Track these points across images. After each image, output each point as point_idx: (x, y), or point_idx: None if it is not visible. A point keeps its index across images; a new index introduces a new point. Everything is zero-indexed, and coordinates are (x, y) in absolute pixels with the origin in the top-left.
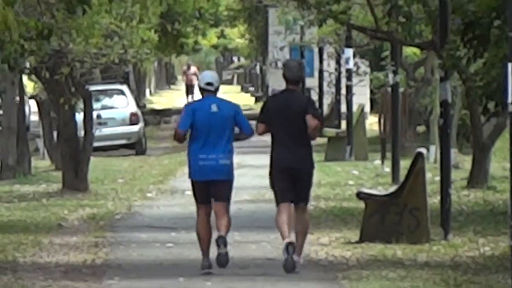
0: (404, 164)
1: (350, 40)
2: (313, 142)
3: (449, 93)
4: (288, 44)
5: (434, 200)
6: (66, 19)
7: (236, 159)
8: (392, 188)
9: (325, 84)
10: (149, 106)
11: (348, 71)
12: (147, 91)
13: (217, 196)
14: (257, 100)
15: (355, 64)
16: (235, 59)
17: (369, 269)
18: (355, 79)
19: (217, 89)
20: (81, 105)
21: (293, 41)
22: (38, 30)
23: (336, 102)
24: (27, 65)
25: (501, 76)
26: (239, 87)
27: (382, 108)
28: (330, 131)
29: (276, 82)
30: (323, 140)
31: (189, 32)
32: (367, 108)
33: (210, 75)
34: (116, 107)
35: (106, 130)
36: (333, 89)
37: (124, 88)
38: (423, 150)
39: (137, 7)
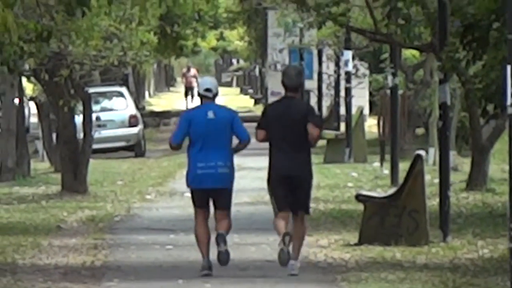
0: (403, 166)
1: (349, 42)
2: None
3: (448, 95)
4: (287, 46)
5: (433, 202)
6: (65, 21)
7: (236, 161)
8: (391, 190)
9: (324, 86)
10: (148, 108)
11: (347, 73)
12: (147, 93)
13: (217, 203)
14: (256, 102)
15: (354, 66)
16: (234, 61)
17: (368, 271)
18: (354, 81)
19: (215, 95)
20: (80, 107)
21: (292, 43)
22: (38, 32)
23: (335, 104)
24: (27, 67)
25: (500, 78)
26: (238, 89)
27: (381, 110)
28: (329, 133)
29: (276, 85)
30: (322, 142)
31: (189, 34)
32: (366, 110)
33: (209, 81)
34: (115, 109)
35: (105, 132)
36: (332, 91)
37: (123, 90)
38: (422, 152)
39: (136, 9)
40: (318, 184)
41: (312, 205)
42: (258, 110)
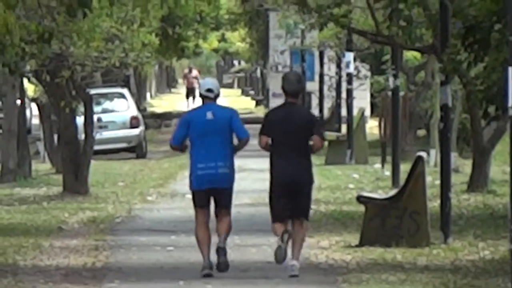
0: (404, 167)
1: (350, 44)
2: None
3: (449, 97)
4: (289, 47)
5: (434, 204)
6: (67, 23)
7: (237, 162)
8: (392, 192)
9: (325, 88)
10: (149, 109)
11: (349, 75)
12: (148, 94)
13: (218, 203)
14: (257, 103)
15: (356, 68)
16: (235, 62)
17: (369, 273)
18: (355, 83)
19: (217, 96)
20: (81, 108)
21: (294, 45)
22: (39, 33)
23: (337, 106)
24: (28, 68)
25: (501, 80)
26: (239, 91)
27: (383, 112)
28: (330, 135)
29: (277, 86)
30: (324, 145)
31: (190, 35)
32: (368, 112)
33: (210, 82)
34: (117, 111)
35: (106, 134)
36: (334, 93)
37: (125, 91)
38: (423, 154)
39: (138, 11)
40: (319, 185)
41: (313, 206)
42: (260, 112)
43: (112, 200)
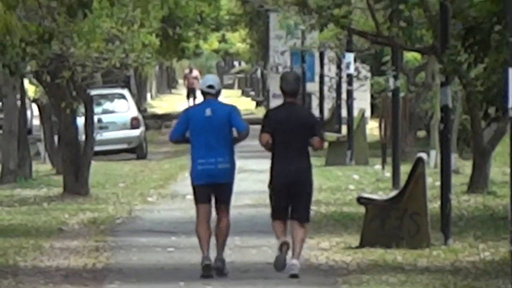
0: (405, 169)
1: (351, 45)
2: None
3: (449, 98)
4: (289, 48)
5: (434, 205)
6: (67, 23)
7: (238, 163)
8: (393, 193)
9: (326, 89)
10: (150, 110)
11: (349, 76)
12: (148, 95)
13: (217, 198)
14: (258, 104)
15: (356, 69)
16: (236, 63)
17: (370, 274)
18: (355, 84)
19: (218, 92)
20: (82, 109)
21: (294, 46)
22: (40, 34)
23: (337, 107)
24: (28, 69)
25: (501, 81)
26: (240, 92)
27: (383, 113)
28: (330, 136)
29: (277, 87)
30: (324, 145)
31: (190, 36)
32: (368, 113)
33: (212, 78)
34: (117, 112)
35: (107, 135)
36: (334, 94)
37: (125, 92)
38: (423, 155)
39: (138, 11)
40: (319, 186)
41: (313, 207)
42: (260, 113)
43: (113, 201)
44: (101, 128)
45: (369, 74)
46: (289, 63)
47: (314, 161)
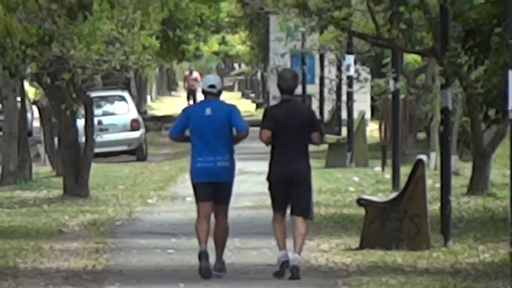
0: (405, 170)
1: (351, 47)
2: (314, 149)
3: (449, 100)
4: (289, 50)
5: (434, 207)
6: (67, 25)
7: (237, 165)
8: (393, 195)
9: (326, 91)
10: (150, 112)
11: (349, 78)
12: (148, 97)
13: (216, 197)
14: (258, 106)
15: (356, 71)
16: (236, 65)
17: (369, 276)
18: (356, 86)
19: (219, 92)
20: (82, 111)
21: (294, 48)
22: (40, 36)
23: (337, 109)
24: (28, 71)
25: (501, 84)
26: (240, 94)
27: (383, 115)
28: (331, 138)
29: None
30: (324, 147)
31: (191, 38)
32: (368, 115)
33: (213, 78)
34: (117, 113)
35: (107, 136)
36: (334, 96)
37: (125, 94)
38: (423, 157)
39: (138, 14)
40: (319, 188)
41: (313, 209)
42: (260, 115)
43: (113, 202)
44: (101, 130)
45: (369, 76)
46: (289, 65)
47: (314, 163)
